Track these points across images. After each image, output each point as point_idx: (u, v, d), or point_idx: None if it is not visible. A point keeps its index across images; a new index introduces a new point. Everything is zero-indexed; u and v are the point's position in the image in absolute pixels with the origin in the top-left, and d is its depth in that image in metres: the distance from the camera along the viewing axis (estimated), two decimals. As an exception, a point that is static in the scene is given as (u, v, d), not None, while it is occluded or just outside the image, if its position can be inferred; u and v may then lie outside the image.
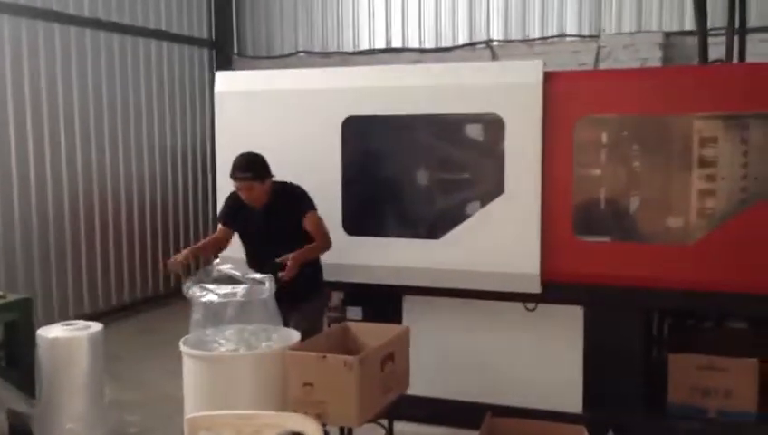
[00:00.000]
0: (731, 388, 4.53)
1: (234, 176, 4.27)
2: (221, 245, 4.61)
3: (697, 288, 4.22)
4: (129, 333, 7.34)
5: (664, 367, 4.75)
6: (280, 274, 4.04)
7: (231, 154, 5.09)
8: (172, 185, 9.04)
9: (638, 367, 4.62)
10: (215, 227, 4.94)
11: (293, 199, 4.41)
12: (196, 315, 3.94)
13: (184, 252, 4.31)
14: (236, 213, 4.48)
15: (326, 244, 4.44)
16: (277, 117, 4.96)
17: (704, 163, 4.29)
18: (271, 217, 4.37)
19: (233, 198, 4.49)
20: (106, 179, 8.01)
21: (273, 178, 4.38)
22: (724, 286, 4.17)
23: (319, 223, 4.42)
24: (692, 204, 4.36)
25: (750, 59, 5.65)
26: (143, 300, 8.54)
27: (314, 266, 4.50)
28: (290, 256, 4.09)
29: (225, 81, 5.21)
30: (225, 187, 5.13)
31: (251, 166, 4.27)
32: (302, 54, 9.41)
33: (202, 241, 4.77)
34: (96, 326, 4.34)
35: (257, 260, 4.35)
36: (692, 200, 4.35)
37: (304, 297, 4.41)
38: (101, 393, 4.36)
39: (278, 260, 4.07)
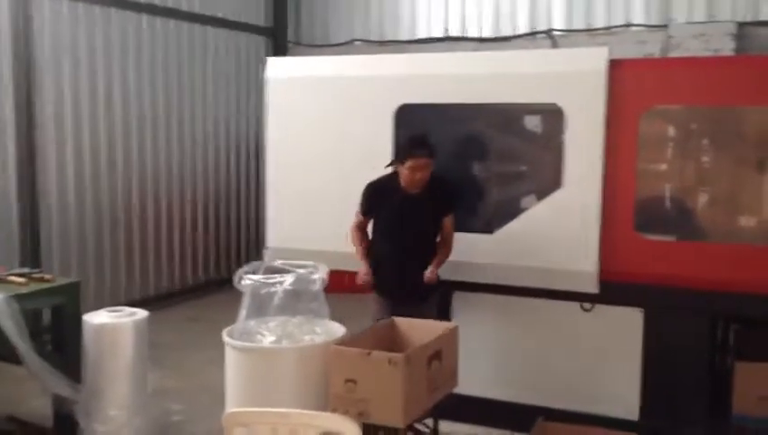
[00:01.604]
0: (803, 399, 4.24)
1: (411, 154, 4.12)
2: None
3: (768, 293, 3.95)
4: (175, 320, 7.35)
5: (729, 375, 4.49)
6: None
7: (281, 142, 5.04)
8: (225, 174, 9.03)
9: (700, 374, 4.36)
10: (261, 215, 4.84)
11: (450, 193, 4.35)
12: (244, 305, 3.87)
13: (365, 266, 4.32)
14: (381, 202, 4.34)
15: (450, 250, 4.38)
16: (329, 104, 4.86)
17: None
18: (423, 202, 4.24)
19: (375, 187, 4.36)
20: (160, 167, 8.03)
21: None
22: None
23: (452, 229, 4.36)
24: (766, 201, 4.09)
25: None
26: (192, 288, 8.56)
27: None
28: (431, 270, 4.20)
29: (276, 67, 5.12)
30: (274, 173, 5.09)
31: (428, 143, 4.17)
32: (357, 43, 9.28)
33: (359, 243, 4.43)
34: (141, 313, 4.30)
35: (390, 245, 4.34)
36: (766, 198, 4.08)
37: (425, 297, 4.35)
38: (145, 381, 4.32)
39: (426, 276, 4.19)
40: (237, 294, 3.94)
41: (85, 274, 7.01)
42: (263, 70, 5.18)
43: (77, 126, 7.07)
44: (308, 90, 4.93)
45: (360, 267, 4.32)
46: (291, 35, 9.69)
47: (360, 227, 4.43)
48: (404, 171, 4.15)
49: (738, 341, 4.80)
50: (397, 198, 4.24)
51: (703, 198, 4.32)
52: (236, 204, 9.30)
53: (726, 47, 7.25)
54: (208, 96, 8.68)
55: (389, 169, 4.36)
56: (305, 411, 2.70)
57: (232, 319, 3.93)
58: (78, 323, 4.20)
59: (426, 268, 4.21)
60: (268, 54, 9.15)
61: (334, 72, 4.91)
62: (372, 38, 9.23)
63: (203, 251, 8.73)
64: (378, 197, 4.33)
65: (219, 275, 8.73)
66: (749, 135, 4.15)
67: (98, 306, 4.78)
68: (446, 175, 4.32)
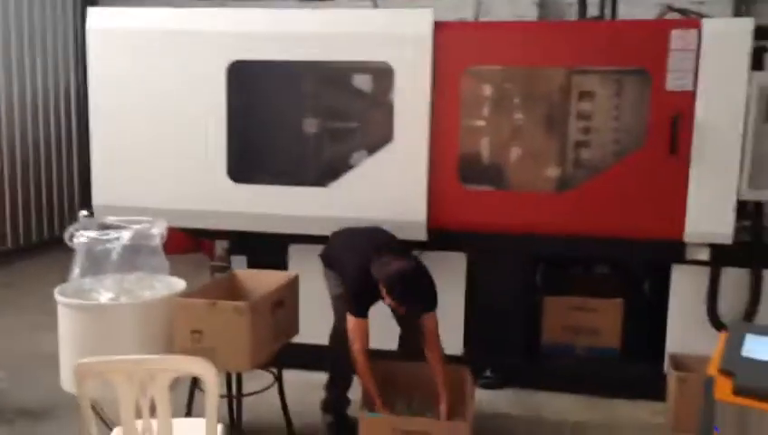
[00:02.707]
0: (598, 326, 4.87)
1: (403, 304, 3.67)
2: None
3: (573, 234, 4.45)
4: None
5: (538, 309, 5.03)
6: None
7: (105, 97, 4.84)
8: (44, 131, 8.47)
9: (516, 310, 4.85)
10: (83, 172, 4.66)
11: (431, 295, 3.85)
12: (77, 263, 3.74)
13: (378, 401, 3.77)
14: (371, 301, 3.84)
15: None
16: (156, 58, 4.72)
17: (580, 116, 4.50)
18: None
19: (365, 286, 3.77)
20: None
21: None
22: (598, 232, 4.41)
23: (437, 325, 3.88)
24: (568, 154, 4.58)
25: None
26: (8, 252, 8.03)
27: None
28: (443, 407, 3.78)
29: (97, 17, 4.87)
30: (98, 132, 4.90)
31: (419, 302, 3.74)
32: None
33: (370, 380, 3.82)
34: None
35: None
36: (568, 151, 4.57)
37: None
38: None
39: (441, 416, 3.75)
40: (54, 259, 3.79)
41: None
42: (72, 22, 4.92)
43: None
44: (133, 43, 4.75)
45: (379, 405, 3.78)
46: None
47: (364, 334, 3.80)
48: (387, 298, 3.70)
49: (545, 278, 5.39)
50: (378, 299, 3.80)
51: (514, 152, 4.73)
52: (57, 162, 8.75)
53: (531, 14, 7.87)
54: (24, 48, 8.04)
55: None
56: (160, 356, 2.73)
57: (55, 281, 3.75)
58: None
59: None
60: (75, 4, 8.60)
61: (161, 25, 4.76)
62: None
63: (23, 213, 8.21)
64: (366, 297, 3.83)
65: (42, 237, 8.23)
66: (550, 93, 4.59)
67: None
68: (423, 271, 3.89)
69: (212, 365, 2.65)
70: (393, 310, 3.87)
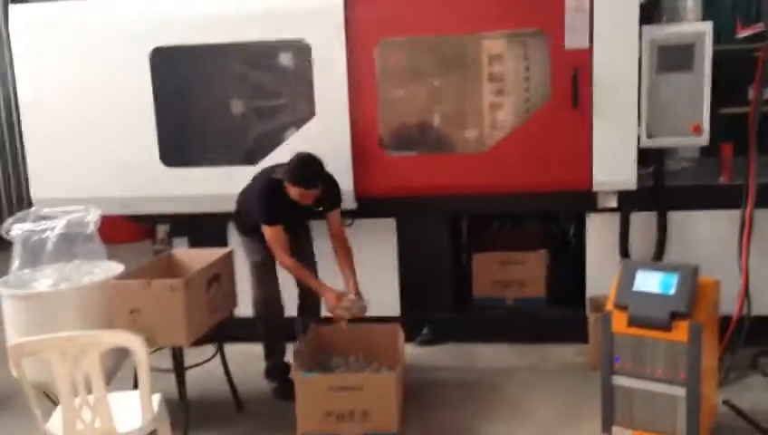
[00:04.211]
0: (525, 278, 5.15)
1: (297, 184, 4.01)
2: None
3: (494, 191, 4.69)
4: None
5: (468, 266, 5.30)
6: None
7: (34, 91, 4.94)
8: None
9: (446, 268, 5.11)
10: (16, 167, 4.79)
11: (333, 189, 4.28)
12: (16, 255, 3.89)
13: (330, 291, 4.17)
14: (281, 208, 4.16)
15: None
16: (82, 50, 4.82)
17: (493, 78, 4.73)
18: (313, 211, 4.28)
19: (273, 194, 4.13)
20: None
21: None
22: (516, 187, 4.66)
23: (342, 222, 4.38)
24: (485, 116, 4.81)
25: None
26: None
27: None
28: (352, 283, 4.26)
29: (19, 14, 4.94)
30: (30, 127, 5.01)
31: (317, 178, 4.07)
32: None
33: (301, 268, 4.22)
34: None
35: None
36: (484, 113, 4.80)
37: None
38: None
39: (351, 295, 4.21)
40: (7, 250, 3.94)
41: None
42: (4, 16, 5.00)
43: None
44: (57, 36, 4.84)
45: (326, 291, 4.20)
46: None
47: (284, 239, 4.17)
48: (292, 190, 4.07)
49: (473, 236, 5.66)
50: (288, 205, 4.13)
51: (434, 117, 4.95)
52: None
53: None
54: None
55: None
56: (90, 331, 2.92)
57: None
58: None
59: None
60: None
61: (82, 18, 4.83)
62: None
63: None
64: (277, 204, 4.15)
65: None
66: (462, 59, 4.80)
67: None
68: (328, 173, 4.22)
69: (140, 338, 2.85)
70: (298, 217, 4.27)
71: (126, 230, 7.38)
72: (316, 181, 4.06)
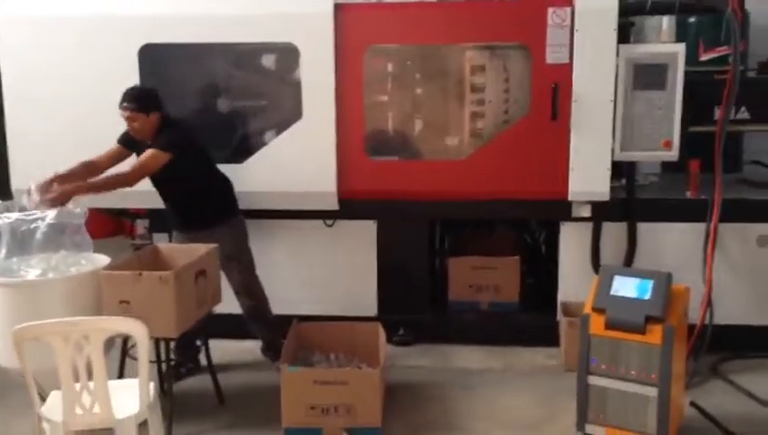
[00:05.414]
0: (498, 283, 5.32)
1: (119, 105, 4.23)
2: (105, 164, 4.40)
3: (473, 198, 4.85)
4: None
5: (444, 270, 5.45)
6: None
7: (20, 85, 4.94)
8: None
9: (423, 271, 5.25)
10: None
11: (158, 133, 4.30)
12: (3, 244, 3.89)
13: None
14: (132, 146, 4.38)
15: (125, 180, 4.23)
16: (70, 45, 4.85)
17: (474, 89, 4.90)
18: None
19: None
20: None
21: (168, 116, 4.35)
22: (494, 195, 4.83)
23: (144, 161, 4.24)
24: (465, 125, 4.98)
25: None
26: None
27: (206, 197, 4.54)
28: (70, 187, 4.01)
29: (7, 7, 4.95)
30: (13, 119, 5.00)
31: (135, 97, 4.23)
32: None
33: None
34: None
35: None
36: (465, 122, 4.97)
37: (206, 226, 4.50)
38: None
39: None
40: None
41: None
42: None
43: None
44: (44, 31, 4.86)
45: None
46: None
47: (107, 153, 4.43)
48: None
49: (450, 241, 5.82)
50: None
51: (416, 124, 5.09)
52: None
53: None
54: None
55: None
56: (93, 317, 2.97)
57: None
58: None
59: (189, 204, 4.51)
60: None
61: (70, 12, 4.86)
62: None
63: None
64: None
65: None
66: (446, 68, 4.96)
67: None
68: (180, 120, 4.47)
69: (143, 325, 2.92)
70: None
71: (100, 226, 7.34)
72: (132, 100, 4.20)
